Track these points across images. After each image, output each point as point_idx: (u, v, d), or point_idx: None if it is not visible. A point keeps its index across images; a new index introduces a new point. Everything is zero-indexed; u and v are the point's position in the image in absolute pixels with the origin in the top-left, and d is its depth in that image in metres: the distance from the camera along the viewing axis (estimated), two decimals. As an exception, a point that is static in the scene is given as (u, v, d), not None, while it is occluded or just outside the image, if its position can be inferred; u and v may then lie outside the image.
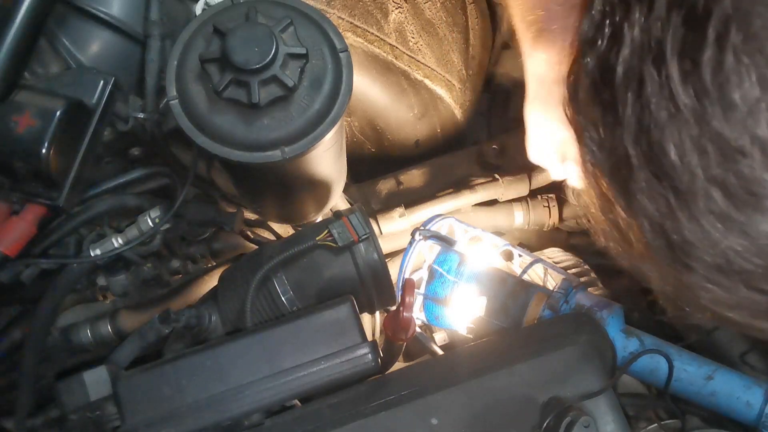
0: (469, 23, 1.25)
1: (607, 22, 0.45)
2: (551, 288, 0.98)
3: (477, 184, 1.25)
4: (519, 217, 1.26)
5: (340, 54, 0.77)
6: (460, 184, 1.25)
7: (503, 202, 1.27)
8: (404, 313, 0.78)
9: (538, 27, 0.89)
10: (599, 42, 0.45)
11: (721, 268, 0.46)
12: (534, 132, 1.00)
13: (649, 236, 0.47)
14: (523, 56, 0.93)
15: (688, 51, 0.41)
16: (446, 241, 1.06)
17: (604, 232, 0.54)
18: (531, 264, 1.06)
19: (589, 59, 0.47)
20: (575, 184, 1.02)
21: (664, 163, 0.43)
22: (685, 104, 0.41)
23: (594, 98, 0.47)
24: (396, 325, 0.80)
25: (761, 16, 0.38)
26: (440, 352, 1.11)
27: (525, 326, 0.95)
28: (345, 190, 1.10)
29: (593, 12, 0.46)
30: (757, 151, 0.40)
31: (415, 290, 1.01)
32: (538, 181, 1.26)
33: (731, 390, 0.86)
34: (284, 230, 1.18)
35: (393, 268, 1.07)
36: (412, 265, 1.06)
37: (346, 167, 1.03)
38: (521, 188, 1.26)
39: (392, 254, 1.19)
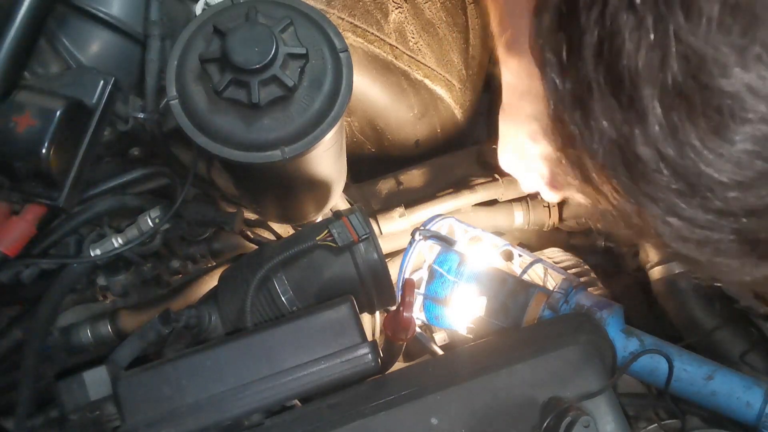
0: (469, 23, 1.25)
1: None
2: (551, 288, 0.98)
3: (477, 184, 1.25)
4: (519, 217, 1.26)
5: (340, 54, 0.77)
6: (460, 184, 1.25)
7: (503, 202, 1.27)
8: (404, 313, 0.78)
9: (509, 36, 0.89)
10: None
11: (680, 192, 0.44)
12: (504, 141, 1.00)
13: (609, 163, 0.46)
14: (498, 62, 0.94)
15: None
16: (446, 241, 1.06)
17: (573, 182, 0.52)
18: (531, 264, 1.06)
19: None
20: (545, 197, 1.02)
21: (622, 75, 0.42)
22: (644, 7, 0.40)
23: (558, 25, 0.46)
24: (396, 325, 0.80)
25: None
26: (440, 352, 1.11)
27: (525, 326, 0.95)
28: (345, 190, 1.10)
29: None
30: (723, 54, 0.39)
31: (415, 290, 1.01)
32: (538, 181, 1.26)
33: (731, 390, 0.86)
34: (284, 230, 1.18)
35: (393, 268, 1.07)
36: (412, 265, 1.06)
37: (346, 167, 1.03)
38: (521, 188, 1.26)
39: (392, 254, 1.19)
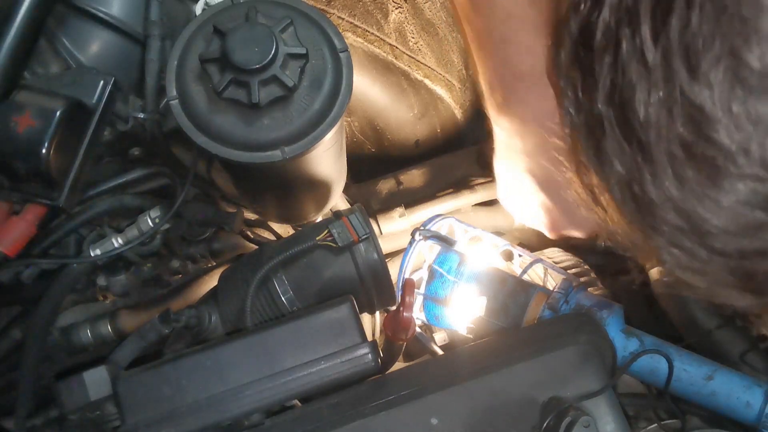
0: (469, 23, 1.25)
1: None
2: (551, 288, 0.98)
3: (477, 184, 1.24)
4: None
5: (340, 54, 0.77)
6: (460, 184, 1.25)
7: (503, 202, 1.27)
8: (404, 313, 0.78)
9: (499, 98, 0.91)
10: (582, 6, 0.47)
11: (683, 229, 0.47)
12: (502, 186, 1.05)
13: (618, 197, 0.49)
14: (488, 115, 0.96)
15: (660, 11, 0.42)
16: (446, 241, 1.06)
17: (584, 201, 0.55)
18: (531, 264, 1.06)
19: (572, 23, 0.48)
20: (544, 231, 1.05)
21: (633, 121, 0.44)
22: (654, 64, 0.42)
23: (574, 61, 0.48)
24: (396, 325, 0.80)
25: None
26: (440, 352, 1.11)
27: (525, 326, 0.95)
28: (345, 190, 1.10)
29: None
30: (722, 116, 0.41)
31: (415, 290, 1.01)
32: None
33: (731, 390, 0.86)
34: (284, 230, 1.18)
35: (393, 268, 1.07)
36: (412, 265, 1.06)
37: (346, 167, 1.03)
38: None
39: (392, 254, 1.19)
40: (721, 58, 0.40)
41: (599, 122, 0.47)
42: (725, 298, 0.52)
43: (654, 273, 1.10)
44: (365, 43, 1.11)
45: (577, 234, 1.01)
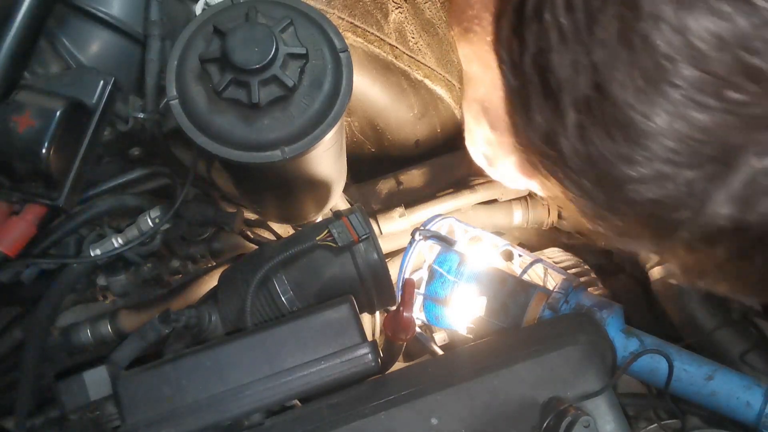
0: (469, 23, 1.25)
1: None
2: (551, 288, 0.98)
3: (477, 184, 1.25)
4: (518, 216, 1.26)
5: (340, 54, 0.77)
6: (460, 184, 1.25)
7: (503, 201, 1.27)
8: (404, 313, 0.78)
9: (465, 24, 0.91)
10: None
11: (589, 179, 0.54)
12: (468, 129, 1.03)
13: (539, 150, 0.56)
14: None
15: None
16: (446, 241, 1.06)
17: (514, 149, 0.62)
18: (531, 264, 1.06)
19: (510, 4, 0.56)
20: (508, 185, 1.02)
21: (550, 81, 0.52)
22: (566, 29, 0.50)
23: (511, 30, 0.56)
24: (396, 325, 0.80)
25: None
26: (440, 352, 1.11)
27: (525, 326, 0.95)
28: (345, 190, 1.10)
29: None
30: (616, 74, 0.48)
31: (415, 290, 1.01)
32: (539, 180, 1.26)
33: (731, 390, 0.86)
34: (284, 230, 1.18)
35: (393, 268, 1.07)
36: (412, 265, 1.06)
37: (346, 167, 1.03)
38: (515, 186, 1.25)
39: (392, 254, 1.19)
40: (613, 23, 0.47)
41: (528, 85, 0.54)
42: (630, 245, 0.58)
43: (654, 273, 1.11)
44: (365, 43, 1.11)
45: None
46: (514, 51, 0.55)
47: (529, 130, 0.56)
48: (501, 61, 0.58)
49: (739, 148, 0.47)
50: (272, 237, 1.17)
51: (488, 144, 0.87)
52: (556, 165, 0.55)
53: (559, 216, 1.28)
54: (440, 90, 1.20)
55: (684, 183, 0.50)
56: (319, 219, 1.07)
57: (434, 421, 0.74)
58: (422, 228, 1.06)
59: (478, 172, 1.26)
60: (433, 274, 1.04)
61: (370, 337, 0.88)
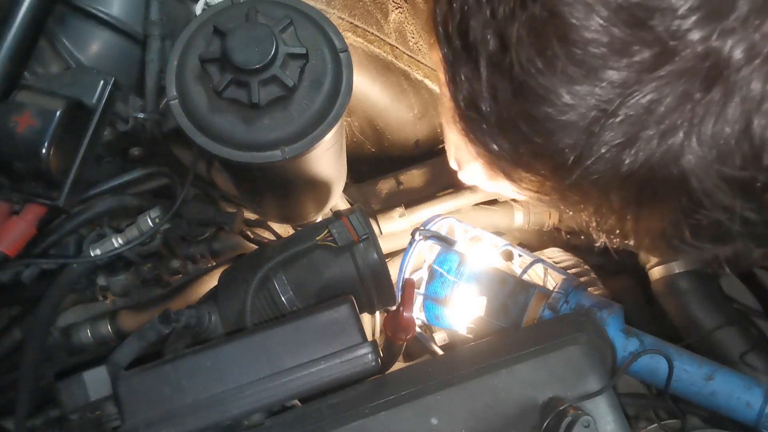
0: (469, 23, 1.25)
1: None
2: (551, 288, 0.98)
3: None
4: (519, 217, 1.26)
5: (340, 54, 0.77)
6: (460, 184, 1.25)
7: (503, 202, 1.27)
8: (404, 313, 0.78)
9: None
10: None
11: (499, 131, 0.59)
12: (445, 136, 1.05)
13: (467, 115, 0.61)
14: None
15: None
16: (446, 241, 1.06)
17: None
18: (531, 264, 1.06)
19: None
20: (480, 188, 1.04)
21: (469, 44, 0.57)
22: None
23: (445, 5, 0.60)
24: (396, 325, 0.80)
25: None
26: (440, 352, 1.11)
27: (525, 326, 0.95)
28: (345, 190, 1.10)
29: None
30: (524, 41, 0.53)
31: (415, 290, 1.01)
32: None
33: (731, 390, 0.86)
34: (284, 230, 1.18)
35: (393, 268, 1.07)
36: (412, 265, 1.06)
37: (346, 167, 1.03)
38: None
39: (392, 254, 1.19)
40: None
41: (454, 51, 0.59)
42: (543, 204, 0.63)
43: (654, 273, 1.11)
44: (365, 43, 1.11)
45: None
46: (447, 22, 0.60)
47: (458, 95, 0.61)
48: (437, 35, 0.62)
49: (624, 91, 0.51)
50: (272, 237, 1.17)
51: (456, 147, 0.90)
52: (479, 127, 0.60)
53: (560, 218, 1.28)
54: (440, 90, 1.20)
55: (576, 131, 0.54)
56: (319, 219, 1.07)
57: (434, 421, 0.74)
58: (422, 228, 1.06)
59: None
60: (433, 274, 1.04)
61: (370, 337, 0.88)
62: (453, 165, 1.02)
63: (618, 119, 0.52)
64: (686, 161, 0.52)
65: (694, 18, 0.48)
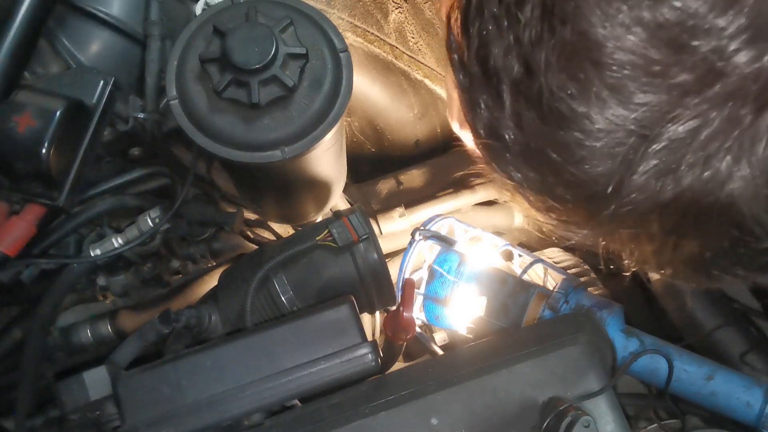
0: (469, 23, 1.25)
1: None
2: (551, 288, 0.98)
3: (477, 184, 1.25)
4: (519, 217, 1.26)
5: (340, 54, 0.77)
6: (460, 184, 1.25)
7: (503, 202, 1.27)
8: (404, 313, 0.78)
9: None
10: None
11: (524, 159, 0.57)
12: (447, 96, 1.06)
13: (485, 140, 0.59)
14: None
15: None
16: (446, 241, 1.06)
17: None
18: (531, 264, 1.06)
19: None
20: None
21: (491, 73, 0.55)
22: (502, 28, 0.53)
23: (459, 30, 0.59)
24: (396, 325, 0.80)
25: None
26: (440, 352, 1.11)
27: (525, 326, 0.95)
28: (345, 190, 1.10)
29: None
30: (552, 66, 0.50)
31: (415, 290, 1.01)
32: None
33: (731, 390, 0.86)
34: (284, 230, 1.18)
35: (393, 268, 1.07)
36: (412, 265, 1.06)
37: (346, 167, 1.03)
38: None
39: (392, 254, 1.19)
40: (537, 6, 0.50)
41: (473, 78, 0.57)
42: (579, 235, 0.60)
43: (654, 273, 1.11)
44: (365, 43, 1.11)
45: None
46: (462, 49, 0.58)
47: (477, 123, 0.58)
48: (451, 61, 0.60)
49: (664, 116, 0.49)
50: (272, 237, 1.17)
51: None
52: (502, 156, 0.58)
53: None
54: (440, 90, 1.20)
55: (612, 159, 0.51)
56: (319, 219, 1.07)
57: (434, 421, 0.74)
58: (422, 228, 1.06)
59: (478, 173, 1.27)
60: (433, 274, 1.04)
61: (370, 337, 0.88)
62: (456, 128, 1.03)
63: (659, 146, 0.49)
64: (735, 187, 0.49)
65: (742, 38, 0.45)
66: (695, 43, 0.46)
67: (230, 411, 0.77)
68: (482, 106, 0.57)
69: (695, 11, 0.46)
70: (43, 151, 0.85)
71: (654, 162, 0.50)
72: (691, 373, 0.88)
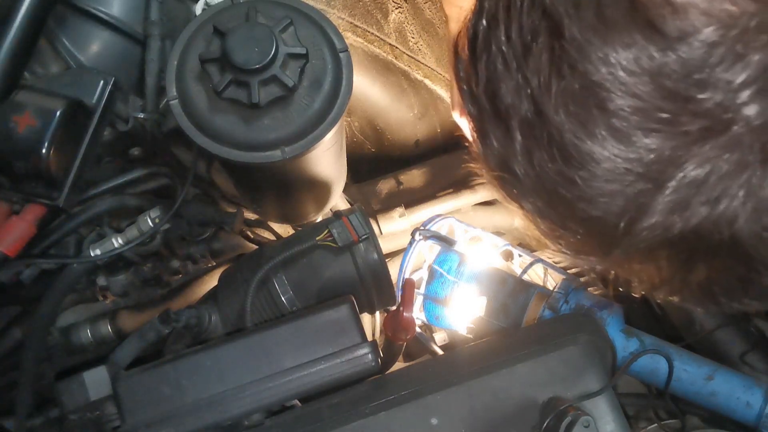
0: (469, 23, 1.25)
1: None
2: (551, 288, 0.98)
3: (477, 184, 1.24)
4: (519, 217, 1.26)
5: (340, 54, 0.77)
6: (460, 184, 1.25)
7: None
8: (404, 313, 0.78)
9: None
10: (471, 16, 0.58)
11: (543, 201, 0.57)
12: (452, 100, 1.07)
13: (497, 171, 0.59)
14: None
15: (507, 17, 0.53)
16: (446, 241, 1.06)
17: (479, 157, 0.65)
18: (531, 264, 1.06)
19: (469, 29, 0.58)
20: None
21: (500, 108, 0.55)
22: (510, 59, 0.53)
23: (468, 62, 0.59)
24: (396, 325, 0.80)
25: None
26: (440, 352, 1.11)
27: (525, 326, 0.95)
28: (345, 190, 1.10)
29: None
30: (549, 98, 0.51)
31: (415, 290, 1.01)
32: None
33: (731, 390, 0.86)
34: (284, 230, 1.18)
35: (393, 268, 1.07)
36: (412, 265, 1.06)
37: (346, 167, 1.03)
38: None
39: (392, 254, 1.19)
40: (544, 52, 0.50)
41: (482, 111, 0.57)
42: (588, 262, 0.60)
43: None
44: (365, 43, 1.11)
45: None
46: (471, 81, 0.58)
47: (488, 155, 0.59)
48: (461, 91, 0.61)
49: (674, 162, 0.49)
50: (272, 237, 1.17)
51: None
52: (514, 187, 0.58)
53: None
54: (440, 90, 1.20)
55: (623, 199, 0.52)
56: (319, 219, 1.07)
57: (434, 421, 0.74)
58: (422, 228, 1.06)
59: (478, 173, 1.27)
60: (433, 274, 1.04)
61: (370, 337, 0.88)
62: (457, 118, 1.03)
63: (668, 189, 0.50)
64: (741, 227, 0.50)
65: (749, 91, 0.46)
66: (702, 96, 0.46)
67: (230, 411, 0.77)
68: (492, 139, 0.57)
69: (702, 64, 0.46)
70: (43, 151, 0.85)
71: (664, 203, 0.51)
72: (691, 373, 0.88)
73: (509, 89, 0.54)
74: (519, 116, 0.54)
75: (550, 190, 0.55)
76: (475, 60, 0.57)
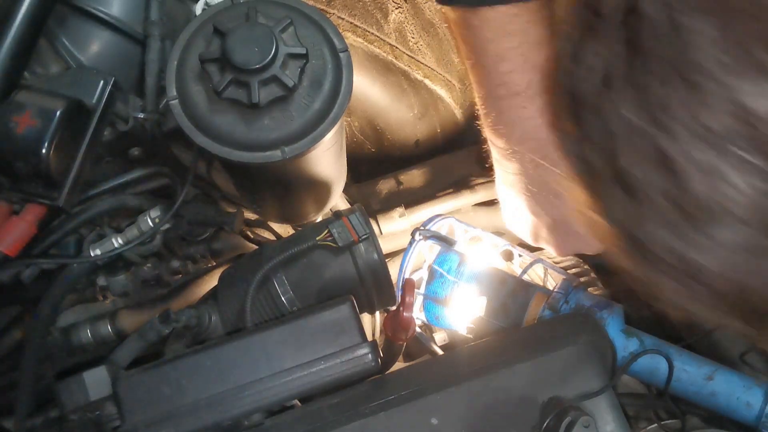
0: (469, 23, 1.25)
1: (573, 51, 0.53)
2: (551, 288, 0.98)
3: (477, 184, 1.24)
4: (519, 217, 1.26)
5: (340, 54, 0.77)
6: (460, 184, 1.25)
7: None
8: (404, 313, 0.78)
9: (492, 121, 0.91)
10: (569, 64, 0.53)
11: (678, 269, 0.52)
12: (504, 206, 1.04)
13: (616, 234, 0.54)
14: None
15: (631, 78, 0.48)
16: (446, 241, 1.06)
17: (591, 230, 0.61)
18: (531, 264, 1.06)
19: (565, 79, 0.54)
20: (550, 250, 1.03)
21: (623, 173, 0.50)
22: (631, 122, 0.49)
23: (569, 113, 0.54)
24: (396, 325, 0.80)
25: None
26: (440, 352, 1.10)
27: (525, 326, 0.95)
28: (345, 190, 1.10)
29: (564, 41, 0.54)
30: (694, 170, 0.46)
31: (415, 290, 1.01)
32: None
33: (731, 390, 0.86)
34: (284, 230, 1.18)
35: (393, 268, 1.07)
36: (412, 265, 1.06)
37: (346, 167, 1.03)
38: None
39: (392, 254, 1.19)
40: (682, 114, 0.46)
41: (593, 170, 0.53)
42: (724, 323, 0.59)
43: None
44: (365, 43, 1.11)
45: (584, 251, 1.00)
46: (573, 134, 0.55)
47: (602, 215, 0.55)
48: (562, 140, 0.57)
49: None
50: (272, 237, 1.17)
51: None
52: (643, 254, 0.54)
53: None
54: (440, 90, 1.20)
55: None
56: (319, 219, 1.07)
57: (434, 421, 0.74)
58: (422, 228, 1.06)
59: (478, 172, 1.27)
60: (433, 274, 1.04)
61: (370, 337, 0.88)
62: (519, 234, 1.01)
63: None
64: None
65: None
66: None
67: (230, 411, 0.77)
68: (615, 204, 0.54)
69: None
70: (43, 151, 0.85)
71: None
72: (691, 373, 0.88)
73: (636, 156, 0.50)
74: (650, 188, 0.51)
75: (691, 265, 0.52)
76: (581, 112, 0.54)
